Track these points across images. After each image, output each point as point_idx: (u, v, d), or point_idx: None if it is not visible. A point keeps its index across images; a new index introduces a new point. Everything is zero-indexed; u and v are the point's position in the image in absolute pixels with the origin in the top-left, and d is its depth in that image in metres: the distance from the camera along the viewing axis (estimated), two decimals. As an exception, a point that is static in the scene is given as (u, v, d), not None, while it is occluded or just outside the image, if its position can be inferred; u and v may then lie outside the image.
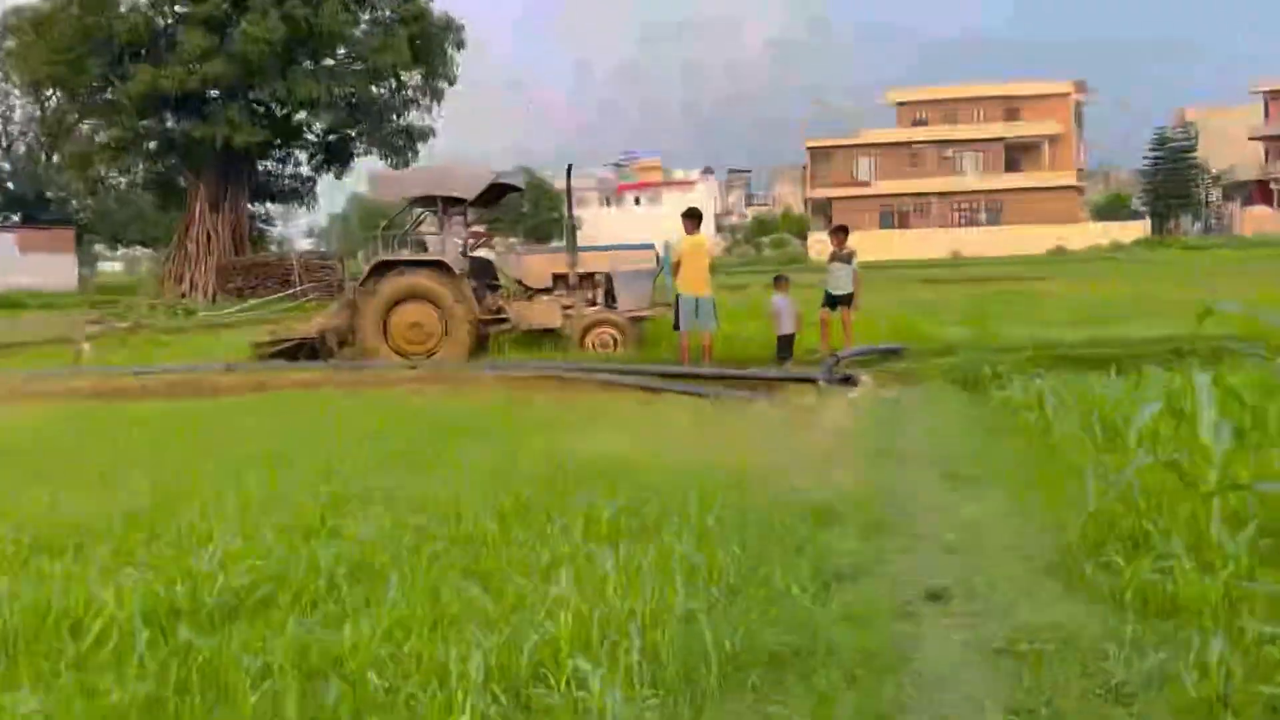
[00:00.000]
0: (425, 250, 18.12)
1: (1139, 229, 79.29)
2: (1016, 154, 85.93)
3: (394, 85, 39.27)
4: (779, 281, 15.66)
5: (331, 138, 40.68)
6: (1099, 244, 73.72)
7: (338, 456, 8.66)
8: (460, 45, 38.23)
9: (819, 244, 77.52)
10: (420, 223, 19.38)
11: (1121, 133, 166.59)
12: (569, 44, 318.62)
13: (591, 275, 17.52)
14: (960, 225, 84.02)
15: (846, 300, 15.43)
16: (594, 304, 17.38)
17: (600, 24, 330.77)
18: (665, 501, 6.57)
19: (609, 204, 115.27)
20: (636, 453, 8.64)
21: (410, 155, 40.00)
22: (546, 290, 17.53)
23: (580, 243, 18.60)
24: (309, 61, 37.74)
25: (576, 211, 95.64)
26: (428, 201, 17.90)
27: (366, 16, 37.35)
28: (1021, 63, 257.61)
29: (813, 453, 8.78)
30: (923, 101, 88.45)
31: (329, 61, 38.18)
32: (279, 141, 40.16)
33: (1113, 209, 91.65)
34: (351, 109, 37.84)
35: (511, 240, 19.06)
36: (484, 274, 18.12)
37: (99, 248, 75.90)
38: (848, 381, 13.36)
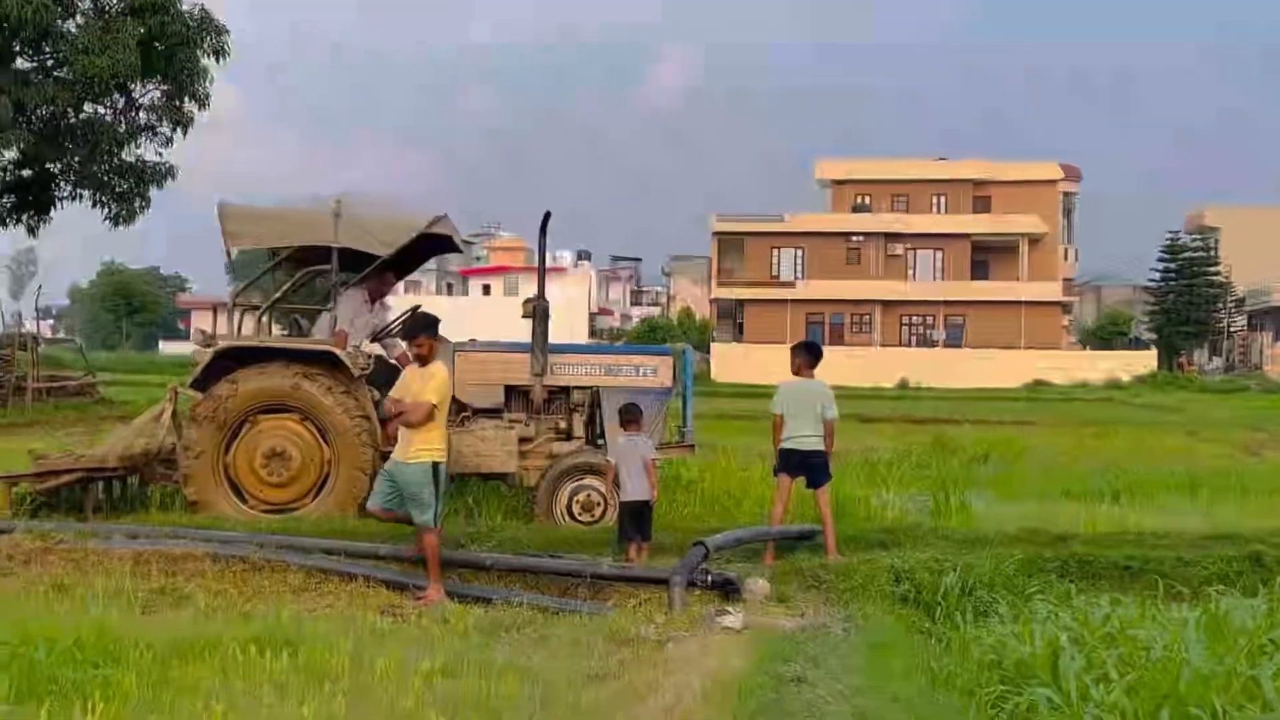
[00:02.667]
0: (301, 332, 15.06)
1: (1143, 361, 79.08)
2: (986, 256, 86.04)
3: (119, 103, 36.19)
4: (627, 415, 12.75)
5: (24, 173, 37.29)
6: (1089, 379, 73.33)
7: None
8: (221, 54, 35.41)
9: (729, 358, 76.27)
10: (298, 288, 16.02)
11: (1121, 236, 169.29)
12: (408, 74, 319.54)
13: (567, 392, 14.68)
14: (911, 345, 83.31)
15: (819, 464, 12.53)
16: (568, 436, 14.52)
17: (452, 52, 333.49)
18: None
19: (449, 291, 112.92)
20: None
21: (139, 202, 36.60)
22: (494, 411, 14.56)
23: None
24: (-10, 62, 34.36)
25: (394, 300, 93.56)
26: (313, 255, 14.75)
27: (86, 4, 34.22)
28: (996, 140, 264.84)
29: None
30: (866, 181, 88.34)
31: (21, 64, 34.98)
32: (-57, 176, 36.73)
33: (1107, 334, 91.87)
34: (53, 134, 34.50)
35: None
36: (388, 379, 14.87)
37: None
38: (725, 589, 10.59)
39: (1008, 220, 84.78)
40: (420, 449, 10.86)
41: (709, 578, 10.69)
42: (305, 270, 15.34)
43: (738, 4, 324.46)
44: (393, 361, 14.78)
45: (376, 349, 14.91)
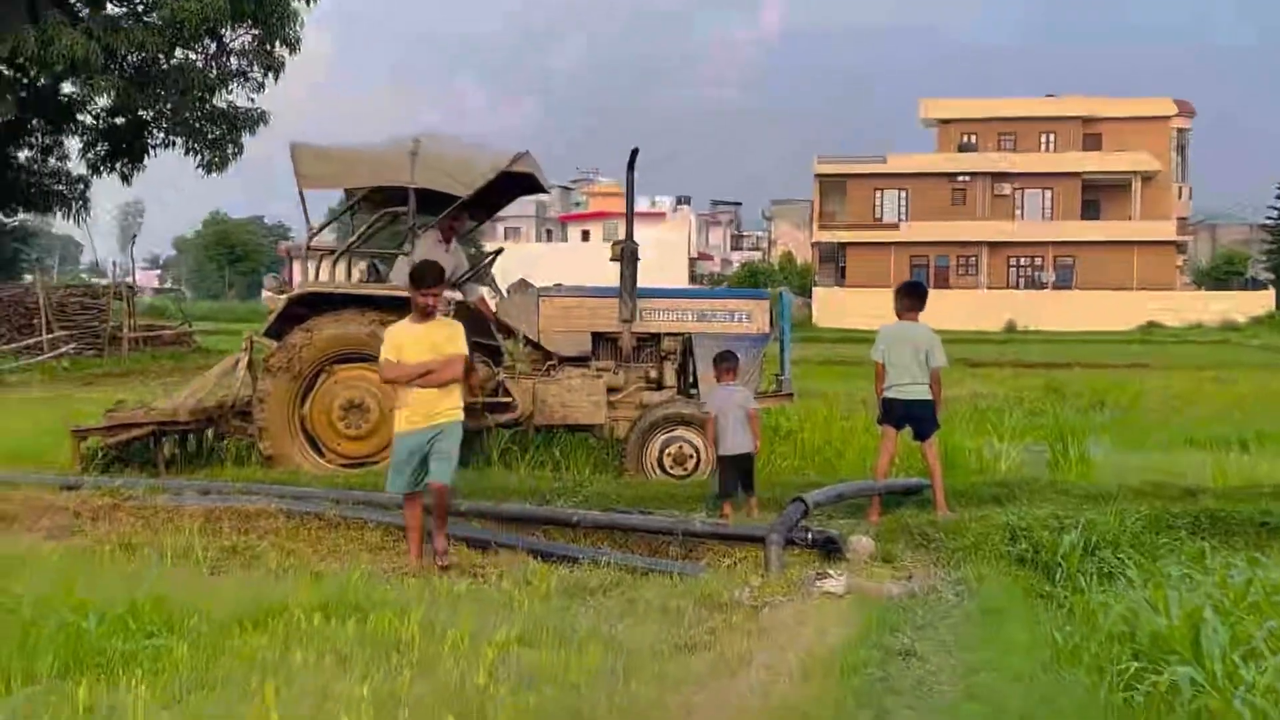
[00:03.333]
0: (378, 277, 14.59)
1: (1260, 302, 76.86)
2: (1097, 195, 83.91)
3: (210, 48, 35.94)
4: (724, 363, 12.00)
5: (118, 120, 37.26)
6: (1203, 320, 71.47)
7: None
8: (310, -2, 35.06)
9: (831, 303, 75.17)
10: (376, 232, 15.57)
11: (1236, 172, 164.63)
12: (504, 19, 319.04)
13: (657, 338, 14.15)
14: (1019, 287, 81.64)
15: (926, 414, 11.66)
16: (659, 386, 13.95)
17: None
18: None
19: (548, 237, 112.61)
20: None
21: (231, 149, 36.53)
22: (581, 359, 14.00)
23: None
24: (83, 6, 34.33)
25: (494, 246, 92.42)
26: (390, 197, 14.21)
27: (172, -56, 33.89)
28: (1102, 76, 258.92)
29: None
30: (972, 120, 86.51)
31: (111, 9, 34.91)
32: (39, 122, 36.71)
33: (1222, 274, 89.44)
34: (144, 80, 34.37)
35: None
36: (473, 327, 13.90)
37: None
38: (826, 548, 9.87)
39: (1119, 158, 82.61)
40: (452, 408, 9.85)
41: (809, 535, 10.00)
42: (381, 212, 14.79)
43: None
44: (472, 306, 14.22)
45: (455, 294, 14.27)
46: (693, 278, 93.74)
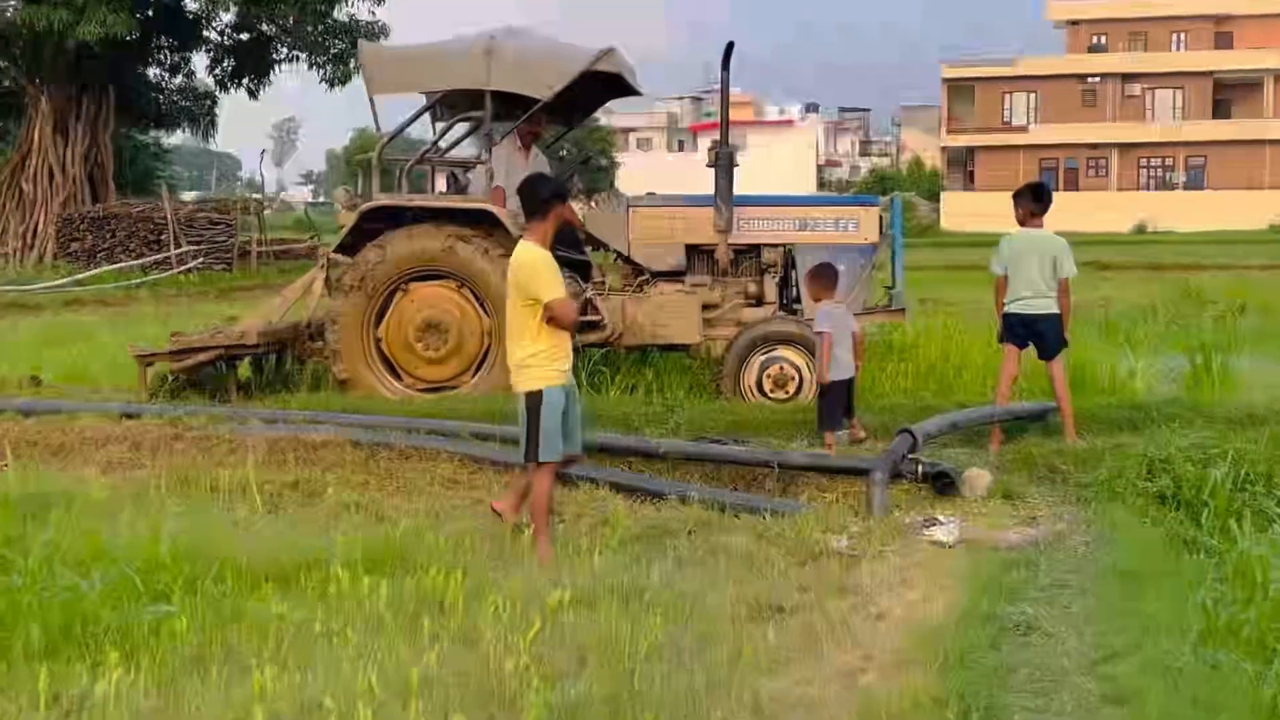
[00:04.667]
0: (459, 188, 13.44)
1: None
2: (1228, 94, 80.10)
3: (330, -40, 35.13)
4: (820, 277, 10.55)
5: (242, 36, 36.66)
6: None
7: None
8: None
9: (959, 207, 72.90)
10: (455, 141, 14.43)
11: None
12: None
13: (757, 250, 12.80)
14: (1149, 188, 78.46)
15: (1052, 331, 10.07)
16: (758, 301, 12.59)
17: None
18: None
19: (679, 148, 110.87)
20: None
21: (353, 63, 35.66)
22: (675, 274, 12.70)
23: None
24: (200, -80, 33.57)
25: (626, 157, 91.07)
26: (467, 100, 12.98)
27: None
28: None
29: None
30: (1101, 20, 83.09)
31: (229, -78, 34.21)
32: (165, 40, 36.27)
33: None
34: (264, -5, 33.72)
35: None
36: (561, 240, 12.88)
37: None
38: (939, 483, 8.59)
39: (1250, 55, 78.56)
40: None
41: (918, 468, 8.66)
42: (456, 118, 13.46)
43: None
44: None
45: None
46: (821, 184, 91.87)
